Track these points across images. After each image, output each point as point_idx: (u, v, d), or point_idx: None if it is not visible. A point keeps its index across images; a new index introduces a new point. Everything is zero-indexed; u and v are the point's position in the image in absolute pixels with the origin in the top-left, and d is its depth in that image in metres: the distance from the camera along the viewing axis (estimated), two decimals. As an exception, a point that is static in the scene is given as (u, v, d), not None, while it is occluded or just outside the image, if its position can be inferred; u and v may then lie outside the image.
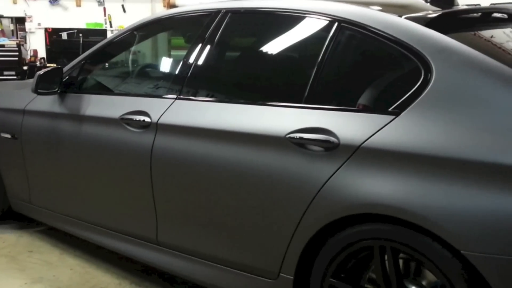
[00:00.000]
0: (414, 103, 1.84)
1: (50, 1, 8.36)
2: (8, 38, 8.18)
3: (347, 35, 2.10)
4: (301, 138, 2.01)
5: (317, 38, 2.19)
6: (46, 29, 8.20)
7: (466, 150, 1.69)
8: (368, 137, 1.88)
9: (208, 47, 2.52)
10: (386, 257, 1.87)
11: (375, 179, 1.84)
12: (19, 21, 8.35)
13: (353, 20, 2.08)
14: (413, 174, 1.77)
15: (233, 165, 2.20)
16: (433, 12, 2.07)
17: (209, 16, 2.57)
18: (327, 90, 2.13)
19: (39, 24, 8.32)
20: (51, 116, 3.00)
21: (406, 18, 2.02)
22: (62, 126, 2.93)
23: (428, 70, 1.85)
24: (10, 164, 3.30)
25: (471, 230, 1.64)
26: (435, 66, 1.85)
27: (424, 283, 1.89)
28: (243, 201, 2.19)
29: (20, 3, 8.26)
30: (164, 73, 2.95)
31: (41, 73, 2.89)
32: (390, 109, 1.88)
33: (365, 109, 1.96)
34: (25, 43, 8.27)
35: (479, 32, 2.12)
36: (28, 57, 8.17)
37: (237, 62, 2.67)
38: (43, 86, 2.89)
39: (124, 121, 2.59)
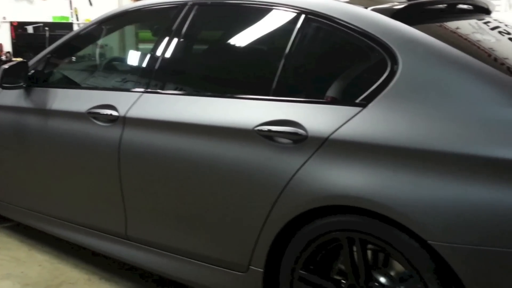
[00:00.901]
0: (381, 94, 1.85)
1: (15, -6, 8.15)
2: (-27, 32, 7.95)
3: (314, 27, 2.10)
4: (269, 130, 2.01)
5: (284, 30, 2.18)
6: (11, 23, 8.00)
7: (432, 141, 1.71)
8: (335, 129, 1.88)
9: (175, 40, 2.49)
10: (354, 249, 1.89)
11: (342, 170, 1.85)
12: (-16, 15, 8.13)
13: (320, 12, 2.08)
14: (380, 165, 1.78)
15: (201, 159, 2.18)
16: (399, 3, 2.08)
17: (176, 8, 2.54)
18: (294, 82, 2.13)
19: (4, 18, 8.10)
20: (17, 110, 2.93)
21: (372, 9, 2.03)
22: (28, 121, 2.87)
23: (394, 61, 1.87)
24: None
25: (437, 220, 1.66)
26: (401, 57, 1.86)
27: (392, 273, 1.91)
28: (212, 195, 2.18)
29: (-16, -3, 8.05)
30: (131, 67, 2.91)
31: (6, 67, 2.82)
32: (357, 101, 1.89)
33: (332, 101, 1.96)
34: (-10, 37, 8.06)
35: (445, 23, 2.14)
36: (-6, 51, 7.97)
37: (205, 55, 2.65)
38: (8, 81, 2.83)
39: (91, 115, 2.55)
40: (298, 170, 1.94)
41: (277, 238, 2.03)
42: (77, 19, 8.40)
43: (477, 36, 2.09)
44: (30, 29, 8.00)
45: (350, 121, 1.87)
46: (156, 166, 2.33)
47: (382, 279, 1.88)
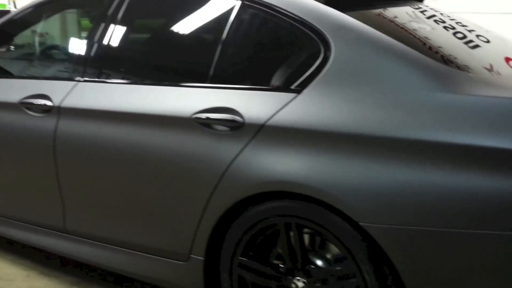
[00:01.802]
0: (315, 80, 1.87)
1: (-51, -20, 7.75)
2: None
3: (250, 13, 2.09)
4: (206, 118, 2.00)
5: (220, 17, 2.16)
6: None
7: (364, 125, 1.74)
8: (271, 115, 1.89)
9: (111, 26, 2.42)
10: (292, 233, 1.92)
11: (278, 157, 1.86)
12: None
13: None
14: (314, 150, 1.80)
15: (139, 148, 2.15)
16: None
17: None
18: (231, 69, 2.12)
19: None
20: None
21: (306, -5, 2.04)
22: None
23: (328, 48, 1.89)
24: None
25: (369, 202, 1.70)
26: (334, 43, 1.88)
27: (329, 256, 1.95)
28: (151, 184, 2.15)
29: None
30: (66, 55, 2.82)
31: None
32: (292, 87, 1.90)
33: (268, 88, 1.97)
34: None
35: (384, 12, 2.18)
36: None
37: (142, 42, 2.60)
38: None
39: (24, 106, 2.46)
40: (235, 157, 1.94)
41: (217, 226, 2.03)
42: (15, 7, 8.08)
43: (414, 25, 2.13)
44: (-35, 17, 7.66)
45: (286, 107, 1.88)
46: (93, 157, 2.27)
47: (319, 262, 1.92)
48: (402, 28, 2.08)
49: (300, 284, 1.92)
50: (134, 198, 2.21)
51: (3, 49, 3.04)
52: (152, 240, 2.21)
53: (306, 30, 1.94)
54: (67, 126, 2.34)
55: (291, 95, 1.89)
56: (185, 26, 2.34)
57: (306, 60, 1.93)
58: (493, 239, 1.57)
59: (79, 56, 2.51)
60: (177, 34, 2.38)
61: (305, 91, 1.87)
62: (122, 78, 2.40)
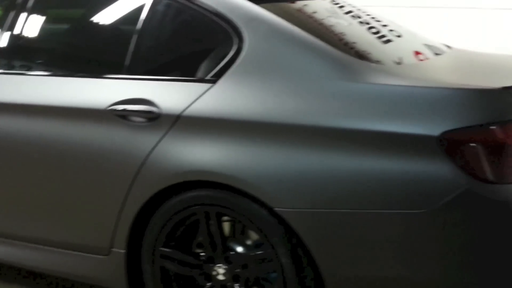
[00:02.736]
0: (229, 70, 1.90)
1: None
2: None
3: (165, 4, 2.09)
4: (123, 110, 1.99)
5: (136, 8, 2.14)
6: None
7: (276, 114, 1.79)
8: (187, 105, 1.90)
9: (23, 15, 2.33)
10: (212, 221, 1.94)
11: (195, 146, 1.88)
12: None
13: None
14: (229, 139, 1.83)
15: (55, 142, 2.10)
16: None
17: None
18: (147, 60, 2.11)
19: None
20: None
21: (222, -13, 2.06)
22: None
23: (241, 39, 1.92)
24: None
25: (282, 188, 1.76)
26: (247, 34, 1.91)
27: (249, 242, 1.99)
28: (70, 179, 2.11)
29: None
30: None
31: None
32: (207, 78, 1.93)
33: (184, 79, 1.98)
34: None
35: (304, 8, 2.23)
36: None
37: (56, 33, 2.52)
38: None
39: None
40: (153, 148, 1.94)
41: (138, 218, 2.02)
42: None
43: (332, 20, 2.19)
44: None
45: (201, 98, 1.90)
46: (6, 153, 2.20)
47: (239, 248, 1.96)
48: (320, 23, 2.14)
49: (221, 270, 1.95)
50: (52, 193, 2.16)
51: None
52: (73, 236, 2.17)
53: (220, 21, 1.97)
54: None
55: (206, 85, 1.91)
56: (101, 16, 2.30)
57: (221, 51, 1.95)
58: (397, 217, 1.67)
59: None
60: (92, 24, 2.34)
61: (220, 82, 1.90)
62: (36, 70, 2.34)
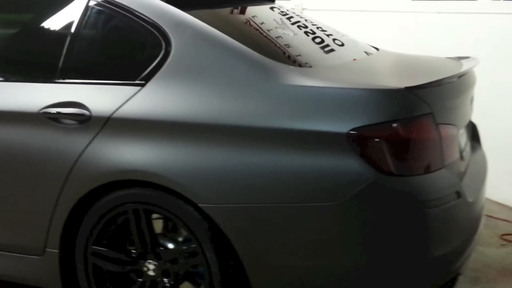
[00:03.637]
0: (157, 74, 1.98)
1: None
2: None
3: (96, 11, 2.16)
4: (56, 113, 2.04)
5: (68, 14, 2.20)
6: None
7: (201, 115, 1.88)
8: (117, 108, 1.97)
9: None
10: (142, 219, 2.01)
11: (124, 147, 1.95)
12: None
13: None
14: (156, 139, 1.91)
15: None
16: None
17: None
18: (79, 65, 2.17)
19: None
20: None
21: (150, -6, 2.14)
22: None
23: (168, 43, 2.00)
24: None
25: (206, 186, 1.85)
26: (174, 39, 2.00)
27: (180, 239, 2.07)
28: (2, 180, 2.15)
29: None
30: None
31: None
32: (136, 81, 2.00)
33: (114, 82, 2.04)
34: None
35: (252, 19, 2.33)
36: None
37: None
38: None
39: None
40: (84, 149, 2.00)
41: (71, 218, 2.08)
42: None
43: (279, 31, 2.29)
44: None
45: (131, 100, 1.98)
46: None
47: (168, 244, 2.04)
48: (265, 36, 2.22)
49: (151, 266, 2.03)
50: (-14, 196, 2.20)
51: None
52: (7, 237, 2.21)
53: (149, 27, 2.04)
54: None
55: (136, 88, 1.99)
56: (34, 22, 2.36)
57: (149, 55, 2.03)
58: (312, 210, 1.77)
59: None
60: (25, 30, 2.39)
61: (148, 84, 1.98)
62: None
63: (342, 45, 2.42)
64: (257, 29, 2.27)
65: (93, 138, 2.00)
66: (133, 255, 2.06)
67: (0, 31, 2.52)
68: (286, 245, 1.82)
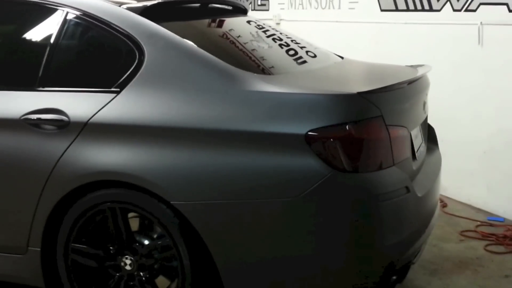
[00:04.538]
0: (132, 81, 2.14)
1: None
2: None
3: (74, 23, 2.32)
4: (35, 119, 2.19)
5: (47, 26, 2.36)
6: None
7: (172, 119, 2.04)
8: (94, 113, 2.13)
9: None
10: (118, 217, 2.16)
11: (100, 150, 2.11)
12: None
13: (79, 8, 2.30)
14: (131, 143, 2.06)
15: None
16: (150, 2, 2.37)
17: None
18: (58, 73, 2.32)
19: None
20: None
21: (125, 7, 2.30)
22: None
23: (142, 53, 2.16)
24: None
25: (176, 184, 2.00)
26: (147, 49, 2.16)
27: (154, 234, 2.21)
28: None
29: None
30: None
31: None
32: (112, 88, 2.15)
33: (91, 89, 2.20)
34: None
35: (229, 33, 2.51)
36: None
37: None
38: None
39: None
40: (63, 153, 2.15)
41: (51, 218, 2.21)
42: None
43: (253, 43, 2.47)
44: None
45: (106, 106, 2.13)
46: None
47: (144, 240, 2.18)
48: (237, 48, 2.39)
49: (128, 261, 2.17)
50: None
51: None
52: (-8, 238, 2.34)
53: (123, 37, 2.21)
54: None
55: (111, 95, 2.14)
56: (15, 33, 2.51)
57: (124, 64, 2.19)
58: (274, 205, 1.94)
59: None
60: (6, 40, 2.54)
61: (123, 91, 2.13)
62: None
63: (315, 56, 2.60)
64: (233, 42, 2.45)
65: (72, 142, 2.14)
66: (111, 251, 2.20)
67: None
68: (251, 236, 1.98)
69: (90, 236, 2.22)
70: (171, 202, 2.01)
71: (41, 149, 2.18)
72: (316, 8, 4.98)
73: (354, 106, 1.95)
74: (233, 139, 1.97)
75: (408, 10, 4.06)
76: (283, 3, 5.44)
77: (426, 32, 3.94)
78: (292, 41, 2.66)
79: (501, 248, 3.13)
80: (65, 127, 2.15)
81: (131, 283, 2.20)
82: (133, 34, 2.19)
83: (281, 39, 2.63)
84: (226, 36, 2.51)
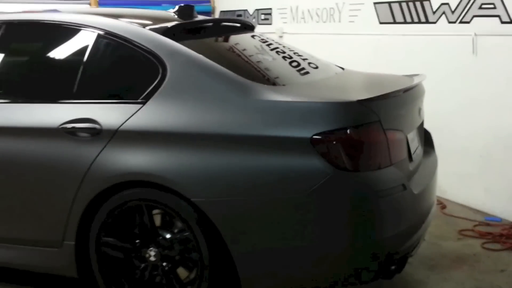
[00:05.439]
0: (156, 93, 2.41)
1: None
2: None
3: (105, 43, 2.61)
4: (71, 127, 2.47)
5: (81, 46, 2.65)
6: None
7: (194, 126, 2.31)
8: (123, 122, 2.40)
9: None
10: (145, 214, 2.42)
11: (130, 154, 2.37)
12: None
13: (109, 30, 2.59)
14: (158, 147, 2.33)
15: (17, 156, 2.57)
16: (171, 23, 2.65)
17: None
18: (91, 87, 2.61)
19: None
20: None
21: (149, 29, 2.58)
22: None
23: (164, 68, 2.44)
24: None
25: (197, 183, 2.26)
26: (169, 65, 2.44)
27: (176, 230, 2.46)
28: (28, 186, 2.57)
29: None
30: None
31: None
32: (139, 100, 2.43)
33: (120, 101, 2.48)
34: None
35: (235, 46, 2.77)
36: None
37: (19, 68, 2.96)
38: None
39: None
40: (96, 157, 2.42)
41: (86, 214, 2.48)
42: None
43: (259, 57, 2.75)
44: None
45: (134, 115, 2.40)
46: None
47: (166, 234, 2.44)
48: (247, 61, 2.67)
49: (152, 252, 2.43)
50: (13, 199, 2.61)
51: None
52: (31, 233, 2.62)
53: (148, 55, 2.49)
54: None
55: (138, 106, 2.42)
56: (53, 52, 2.81)
57: (149, 78, 2.46)
58: (284, 201, 2.18)
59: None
60: (45, 59, 2.83)
61: (148, 102, 2.41)
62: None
63: (317, 67, 2.86)
64: (239, 55, 2.72)
65: (103, 147, 2.42)
66: (137, 244, 2.46)
67: (26, 60, 2.96)
68: (263, 228, 2.23)
69: (119, 231, 2.48)
70: (192, 199, 2.27)
71: (76, 154, 2.45)
72: (317, 22, 5.22)
73: (354, 113, 2.20)
74: (246, 142, 2.23)
75: (405, 22, 4.30)
76: (286, 17, 5.68)
77: (422, 43, 4.17)
78: (294, 53, 2.92)
79: (497, 246, 3.31)
80: (98, 134, 2.43)
81: (155, 272, 2.45)
82: (156, 52, 2.47)
83: (284, 52, 2.89)
84: (236, 50, 2.78)
